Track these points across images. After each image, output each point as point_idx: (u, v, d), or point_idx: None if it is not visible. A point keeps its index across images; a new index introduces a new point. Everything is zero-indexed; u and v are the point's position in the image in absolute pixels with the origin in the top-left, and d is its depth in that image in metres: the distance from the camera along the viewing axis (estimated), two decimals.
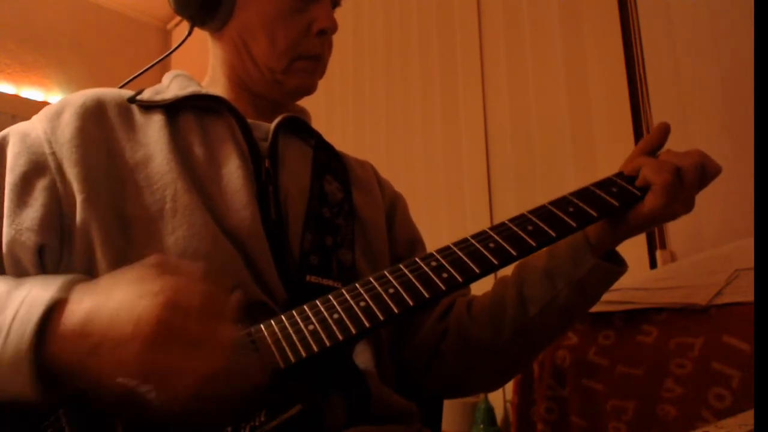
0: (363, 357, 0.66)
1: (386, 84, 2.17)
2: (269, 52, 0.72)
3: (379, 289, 0.53)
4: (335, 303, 0.52)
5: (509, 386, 1.28)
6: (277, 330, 0.51)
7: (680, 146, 0.63)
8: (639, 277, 1.05)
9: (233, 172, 0.66)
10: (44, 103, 2.27)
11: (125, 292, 0.45)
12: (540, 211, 0.59)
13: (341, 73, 2.31)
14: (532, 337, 0.69)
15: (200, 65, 0.80)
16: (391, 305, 0.52)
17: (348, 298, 0.53)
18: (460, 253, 0.55)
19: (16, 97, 2.80)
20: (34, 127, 0.64)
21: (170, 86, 0.74)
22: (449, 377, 0.74)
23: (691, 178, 0.59)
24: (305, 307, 0.53)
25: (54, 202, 0.59)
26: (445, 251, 0.56)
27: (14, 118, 0.71)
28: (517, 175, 1.71)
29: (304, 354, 0.49)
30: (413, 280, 0.53)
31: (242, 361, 0.46)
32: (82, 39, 3.05)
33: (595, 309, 0.72)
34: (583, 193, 0.60)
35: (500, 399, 1.60)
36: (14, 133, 0.64)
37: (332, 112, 2.33)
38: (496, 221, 0.57)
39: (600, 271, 0.63)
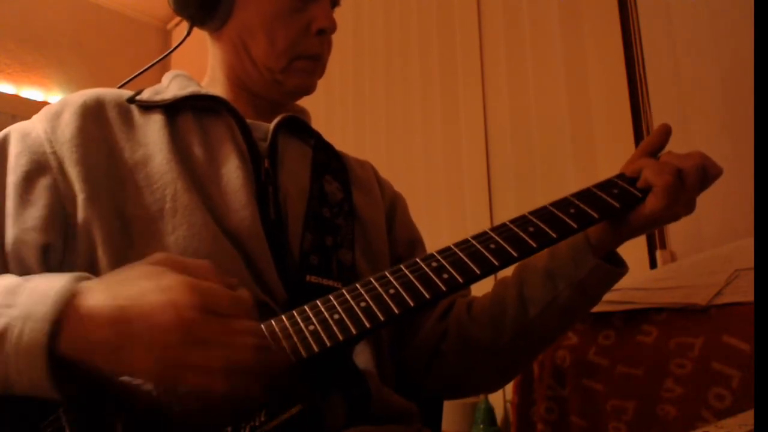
0: (363, 357, 0.66)
1: (386, 84, 2.17)
2: (268, 51, 0.72)
3: (380, 289, 0.53)
4: (336, 303, 0.52)
5: (509, 386, 1.28)
6: (277, 330, 0.51)
7: (680, 146, 0.63)
8: (639, 277, 1.05)
9: (232, 172, 0.66)
10: (44, 103, 2.27)
11: (138, 288, 0.45)
12: (541, 212, 0.59)
13: (341, 73, 2.31)
14: (533, 338, 0.69)
15: (200, 65, 0.80)
16: (392, 306, 0.52)
17: (348, 298, 0.53)
18: (460, 254, 0.55)
19: (16, 97, 2.81)
20: (35, 126, 0.64)
21: (170, 86, 0.74)
22: (449, 377, 0.74)
23: (692, 180, 0.59)
24: (306, 307, 0.53)
25: (56, 202, 0.59)
26: (445, 252, 0.56)
27: (14, 118, 0.72)
28: (517, 175, 1.71)
29: (304, 354, 0.49)
30: (414, 280, 0.53)
31: (263, 356, 0.46)
32: (82, 39, 3.05)
33: (595, 309, 0.72)
34: (584, 195, 0.60)
35: (500, 399, 1.60)
36: (15, 132, 0.64)
37: (332, 112, 2.33)
38: (496, 221, 0.57)
39: (600, 272, 0.63)
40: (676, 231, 1.35)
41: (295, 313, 0.52)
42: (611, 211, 0.59)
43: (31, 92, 2.86)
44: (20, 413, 0.46)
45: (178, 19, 3.25)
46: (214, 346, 0.43)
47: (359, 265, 0.70)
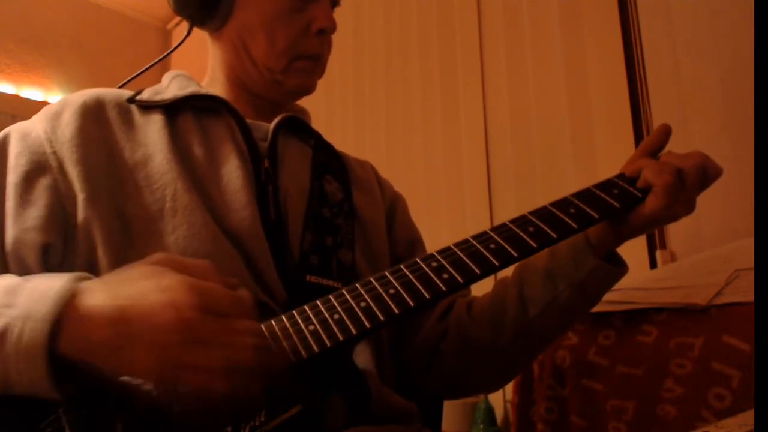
0: (363, 357, 0.66)
1: (386, 84, 2.17)
2: (268, 51, 0.72)
3: (380, 289, 0.53)
4: (336, 303, 0.52)
5: (509, 386, 1.28)
6: (277, 330, 0.51)
7: (680, 146, 0.63)
8: (639, 277, 1.05)
9: (233, 172, 0.66)
10: (44, 103, 2.27)
11: (138, 288, 0.45)
12: (541, 212, 0.59)
13: (341, 73, 2.31)
14: (533, 338, 0.69)
15: (200, 65, 0.80)
16: (392, 306, 0.52)
17: (348, 298, 0.53)
18: (460, 254, 0.55)
19: (16, 97, 2.81)
20: (35, 126, 0.64)
21: (170, 86, 0.74)
22: (449, 377, 0.74)
23: (692, 180, 0.59)
24: (306, 307, 0.53)
25: (57, 202, 0.59)
26: (445, 252, 0.56)
27: (14, 118, 0.72)
28: (517, 175, 1.71)
29: (304, 354, 0.49)
30: (414, 280, 0.53)
31: (263, 356, 0.46)
32: (82, 39, 3.05)
33: (595, 309, 0.72)
34: (584, 195, 0.60)
35: (500, 399, 1.60)
36: (15, 132, 0.65)
37: (332, 112, 2.33)
38: (496, 221, 0.57)
39: (601, 272, 0.63)
40: (676, 231, 1.35)
41: (295, 313, 0.52)
42: (611, 211, 0.59)
43: (31, 92, 2.86)
44: (20, 413, 0.46)
45: (178, 19, 3.25)
46: (214, 345, 0.43)
47: (359, 265, 0.70)
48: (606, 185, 0.61)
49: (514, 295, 0.68)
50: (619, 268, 0.64)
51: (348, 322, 0.51)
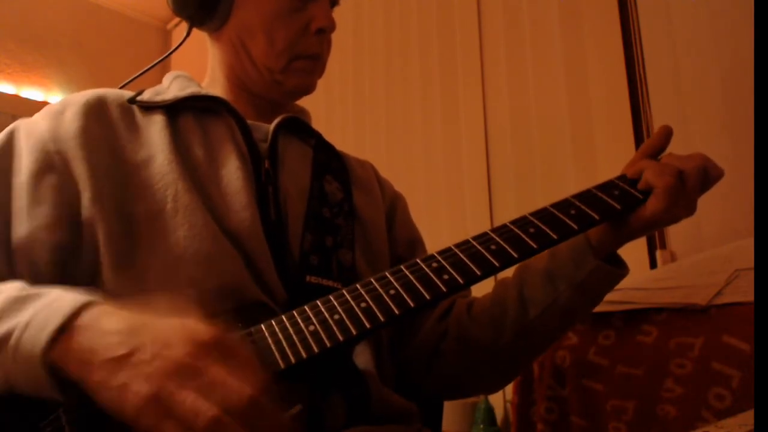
0: (363, 357, 0.66)
1: (386, 84, 2.17)
2: (268, 51, 0.72)
3: (380, 290, 0.53)
4: (336, 304, 0.52)
5: (509, 386, 1.28)
6: (277, 330, 0.51)
7: (680, 146, 0.63)
8: (639, 277, 1.05)
9: (233, 173, 0.66)
10: (44, 103, 2.27)
11: (154, 326, 0.44)
12: (541, 214, 0.59)
13: (341, 72, 2.31)
14: (533, 339, 0.69)
15: (200, 66, 0.80)
16: (392, 306, 0.52)
17: (349, 298, 0.53)
18: (461, 255, 0.55)
19: (16, 97, 2.80)
20: (39, 124, 0.64)
21: (170, 87, 0.74)
22: (449, 378, 0.74)
23: (694, 182, 0.59)
24: (306, 307, 0.53)
25: (65, 201, 0.59)
26: (446, 252, 0.56)
27: (14, 118, 0.71)
28: (517, 175, 1.71)
29: (304, 355, 0.49)
30: (414, 281, 0.53)
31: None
32: (82, 39, 3.05)
33: (595, 309, 0.72)
34: (584, 196, 0.60)
35: (500, 399, 1.60)
36: (22, 128, 0.65)
37: (332, 112, 2.33)
38: (497, 221, 0.57)
39: (601, 273, 0.63)
40: (676, 231, 1.35)
41: (295, 314, 0.52)
42: (612, 213, 0.59)
43: (31, 92, 2.86)
44: (20, 413, 0.46)
45: (178, 19, 3.24)
46: (210, 386, 0.40)
47: (359, 266, 0.70)
48: (607, 186, 0.61)
49: (515, 296, 0.68)
50: (619, 269, 0.64)
51: (348, 323, 0.51)
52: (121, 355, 0.42)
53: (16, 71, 2.83)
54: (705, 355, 0.81)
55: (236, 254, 0.60)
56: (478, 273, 0.54)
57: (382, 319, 0.51)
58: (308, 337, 0.50)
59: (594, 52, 1.56)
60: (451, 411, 1.56)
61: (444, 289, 0.53)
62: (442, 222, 1.85)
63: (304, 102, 0.82)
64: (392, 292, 0.53)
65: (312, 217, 0.68)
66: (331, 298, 0.53)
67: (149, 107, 0.69)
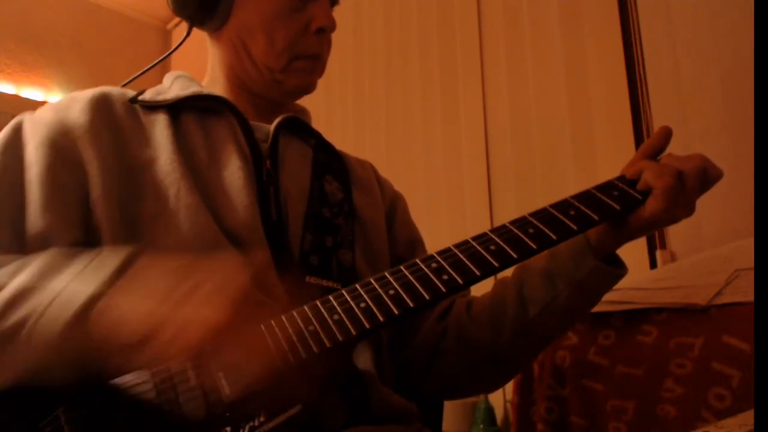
0: (363, 357, 0.66)
1: (386, 84, 2.17)
2: (268, 51, 0.72)
3: (380, 290, 0.53)
4: (335, 304, 0.52)
5: (509, 386, 1.28)
6: (277, 330, 0.51)
7: (680, 146, 0.63)
8: (639, 277, 1.05)
9: (234, 173, 0.66)
10: (44, 103, 2.27)
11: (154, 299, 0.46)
12: (541, 214, 0.59)
13: (341, 72, 2.31)
14: (532, 338, 0.69)
15: (200, 65, 0.80)
16: (392, 306, 0.52)
17: (348, 299, 0.53)
18: (460, 255, 0.55)
19: (16, 97, 2.81)
20: (46, 118, 0.64)
21: (172, 87, 0.74)
22: (449, 377, 0.74)
23: (693, 182, 0.59)
24: (305, 307, 0.53)
25: (78, 199, 0.59)
26: (445, 253, 0.56)
27: (12, 119, 0.71)
28: (517, 175, 1.71)
29: (304, 355, 0.49)
30: (413, 281, 0.53)
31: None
32: (82, 39, 3.05)
33: (595, 309, 0.72)
34: (584, 196, 0.60)
35: (500, 399, 1.60)
36: (28, 121, 0.64)
37: (332, 111, 2.33)
38: (496, 221, 0.57)
39: (600, 273, 0.63)
40: (676, 231, 1.35)
41: (295, 314, 0.52)
42: (611, 213, 0.59)
43: (31, 92, 2.86)
44: (20, 413, 0.46)
45: (178, 19, 3.25)
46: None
47: (359, 266, 0.70)
48: (606, 187, 0.61)
49: (514, 295, 0.68)
50: (618, 269, 0.64)
51: (348, 323, 0.51)
52: (139, 339, 0.44)
53: (16, 71, 2.83)
54: (705, 355, 0.81)
55: (237, 254, 0.60)
56: (478, 273, 0.54)
57: (381, 319, 0.51)
58: (307, 337, 0.50)
59: (594, 52, 1.56)
60: (451, 411, 1.56)
61: (443, 289, 0.53)
62: (442, 222, 1.85)
63: (304, 101, 0.82)
64: (392, 292, 0.53)
65: (312, 217, 0.68)
66: (331, 299, 0.53)
67: (151, 107, 0.69)
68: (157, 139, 0.66)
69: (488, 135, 1.81)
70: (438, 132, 1.96)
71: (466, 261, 0.54)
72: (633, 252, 1.29)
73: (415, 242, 0.83)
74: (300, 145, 0.76)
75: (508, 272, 0.68)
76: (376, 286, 0.53)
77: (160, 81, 0.76)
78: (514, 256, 0.55)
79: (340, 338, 0.50)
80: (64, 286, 0.48)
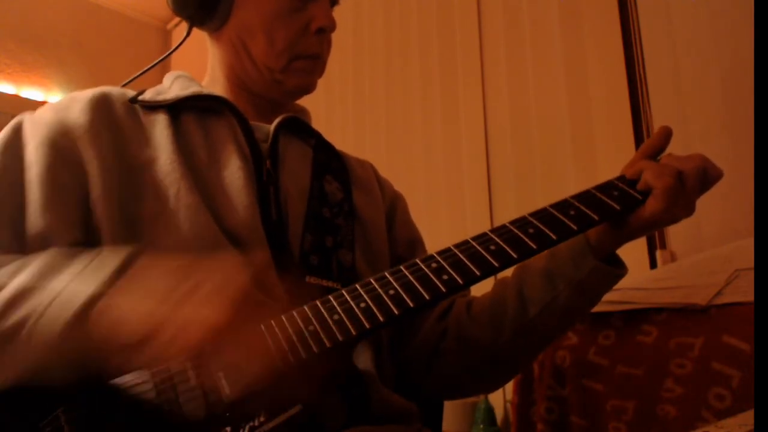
0: (363, 358, 0.66)
1: (386, 84, 2.17)
2: (268, 51, 0.72)
3: (380, 290, 0.53)
4: (335, 304, 0.52)
5: (509, 386, 1.28)
6: (277, 330, 0.51)
7: (680, 146, 0.63)
8: (639, 277, 1.05)
9: (234, 173, 0.66)
10: (44, 104, 2.27)
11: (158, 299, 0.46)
12: (541, 214, 0.59)
13: (341, 72, 2.31)
14: (532, 338, 0.69)
15: (200, 65, 0.80)
16: (392, 306, 0.52)
17: (348, 299, 0.53)
18: (460, 255, 0.55)
19: (16, 97, 2.81)
20: (45, 118, 0.64)
21: (172, 87, 0.74)
22: (449, 377, 0.74)
23: (693, 183, 0.59)
24: (305, 307, 0.53)
25: (78, 199, 0.59)
26: (445, 253, 0.56)
27: (12, 120, 0.71)
28: (517, 175, 1.71)
29: (304, 355, 0.49)
30: (413, 281, 0.53)
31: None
32: (82, 39, 3.05)
33: (595, 309, 0.72)
34: (584, 196, 0.60)
35: (500, 399, 1.60)
36: (28, 121, 0.64)
37: (332, 111, 2.33)
38: (496, 221, 0.57)
39: (600, 273, 0.63)
40: (676, 231, 1.35)
41: (295, 314, 0.52)
42: (611, 213, 0.59)
43: (31, 92, 2.86)
44: (20, 413, 0.46)
45: (178, 19, 3.25)
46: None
47: (359, 266, 0.70)
48: (606, 187, 0.61)
49: (514, 295, 0.68)
50: (618, 269, 0.64)
51: (348, 323, 0.51)
52: (138, 339, 0.45)
53: (16, 71, 2.83)
54: (705, 355, 0.81)
55: (237, 254, 0.60)
56: (478, 273, 0.54)
57: (381, 319, 0.51)
58: (308, 337, 0.50)
59: (594, 52, 1.56)
60: (451, 411, 1.56)
61: (443, 289, 0.53)
62: (442, 222, 1.85)
63: (304, 101, 0.82)
64: (392, 292, 0.53)
65: (312, 217, 0.68)
66: (331, 299, 0.53)
67: (151, 107, 0.69)
68: (157, 139, 0.66)
69: (488, 135, 1.81)
70: (438, 132, 1.96)
71: (466, 261, 0.54)
72: (633, 252, 1.29)
73: (415, 242, 0.83)
74: (300, 145, 0.76)
75: (508, 272, 0.68)
76: (376, 286, 0.53)
77: (160, 81, 0.76)
78: (514, 256, 0.55)
79: (340, 338, 0.50)
80: (64, 286, 0.48)
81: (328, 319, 0.51)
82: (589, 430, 0.92)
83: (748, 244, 0.98)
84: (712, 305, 0.86)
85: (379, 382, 0.65)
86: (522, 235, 0.56)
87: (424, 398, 0.74)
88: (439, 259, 0.55)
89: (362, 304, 0.52)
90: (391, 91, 2.15)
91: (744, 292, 0.85)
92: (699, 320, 0.86)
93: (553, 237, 0.56)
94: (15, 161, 0.61)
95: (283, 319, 0.52)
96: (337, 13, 0.77)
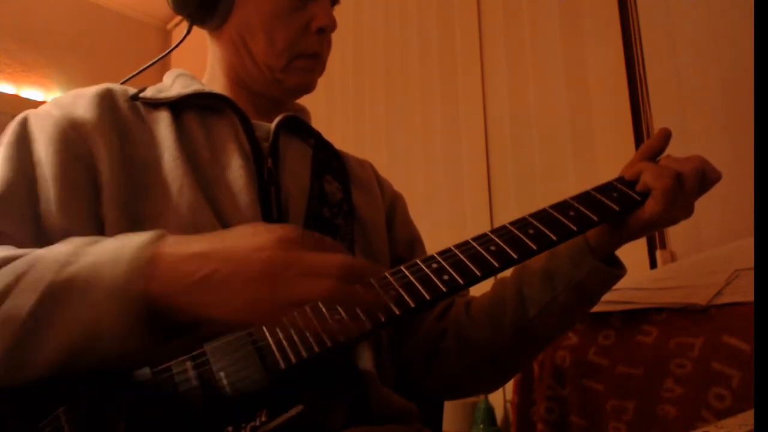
0: (363, 358, 0.66)
1: (386, 84, 2.17)
2: (268, 50, 0.72)
3: (380, 290, 0.53)
4: None
5: (509, 386, 1.28)
6: (278, 329, 0.51)
7: (680, 146, 0.63)
8: (639, 277, 1.05)
9: (236, 172, 0.66)
10: (44, 103, 2.27)
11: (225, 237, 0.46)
12: (541, 215, 0.59)
13: (341, 72, 2.31)
14: (532, 338, 0.69)
15: (200, 65, 0.80)
16: (392, 306, 0.52)
17: None
18: (461, 256, 0.55)
19: (16, 97, 2.81)
20: (52, 114, 0.64)
21: (173, 85, 0.74)
22: (449, 377, 0.74)
23: (692, 184, 0.59)
24: (307, 308, 0.53)
25: (92, 195, 0.59)
26: (445, 253, 0.56)
27: (14, 119, 0.71)
28: (517, 175, 1.71)
29: (305, 355, 0.49)
30: (414, 281, 0.53)
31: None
32: (82, 39, 3.05)
33: (595, 309, 0.73)
34: (583, 198, 0.61)
35: (500, 399, 1.60)
36: (31, 117, 0.64)
37: (332, 111, 2.33)
38: (496, 221, 0.57)
39: (599, 273, 0.63)
40: (676, 231, 1.35)
41: (296, 314, 0.52)
42: (610, 214, 0.59)
43: (31, 92, 2.86)
44: (20, 412, 0.46)
45: (178, 19, 3.25)
46: (300, 279, 0.44)
47: None
48: (605, 188, 0.62)
49: (513, 295, 0.68)
50: (617, 269, 0.64)
51: (349, 323, 0.51)
52: (204, 274, 0.44)
53: (16, 71, 2.83)
54: (705, 355, 0.81)
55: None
56: (478, 273, 0.54)
57: (382, 319, 0.51)
58: (309, 336, 0.50)
59: (594, 52, 1.56)
60: (451, 411, 1.56)
61: (444, 289, 0.53)
62: (442, 222, 1.85)
63: (304, 101, 0.82)
64: (392, 292, 0.53)
65: (312, 217, 0.68)
66: None
67: (153, 104, 0.69)
68: (160, 137, 0.66)
69: (488, 135, 1.81)
70: (438, 132, 1.96)
71: (467, 261, 0.54)
72: (633, 252, 1.29)
73: (414, 242, 0.83)
74: (300, 145, 0.76)
75: (508, 272, 0.68)
76: (377, 287, 0.53)
77: (159, 80, 0.76)
78: (515, 256, 0.55)
79: (341, 338, 0.50)
80: (106, 248, 0.46)
81: (329, 320, 0.51)
82: (589, 430, 0.92)
83: (748, 244, 0.98)
84: (712, 305, 0.86)
85: (379, 382, 0.65)
86: (522, 236, 0.56)
87: (424, 398, 0.74)
88: (440, 259, 0.55)
89: None
90: (391, 91, 2.15)
91: (744, 292, 0.85)
92: (699, 320, 0.86)
93: (553, 238, 0.56)
94: (25, 157, 0.60)
95: (284, 319, 0.52)
96: (338, 12, 0.77)
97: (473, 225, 1.77)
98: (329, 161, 0.77)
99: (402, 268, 0.55)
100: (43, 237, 0.56)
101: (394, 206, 0.84)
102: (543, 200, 0.61)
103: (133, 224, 0.59)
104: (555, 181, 1.60)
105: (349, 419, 0.57)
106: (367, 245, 0.74)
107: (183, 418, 0.46)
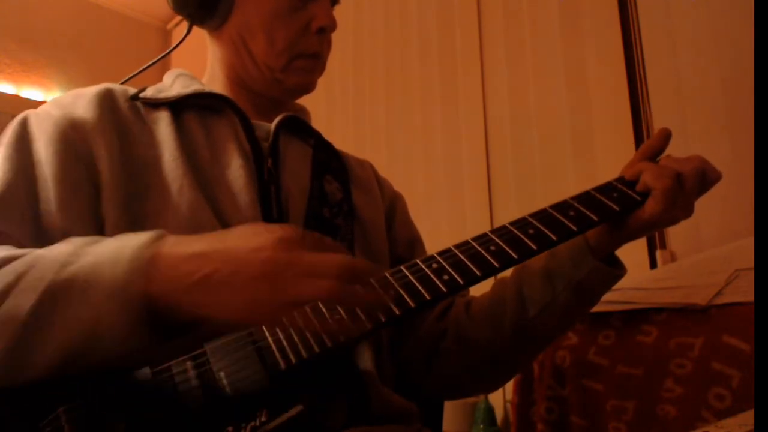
0: (363, 358, 0.66)
1: (386, 84, 2.17)
2: (268, 50, 0.72)
3: (380, 290, 0.53)
4: None
5: (509, 386, 1.28)
6: (278, 329, 0.51)
7: (680, 147, 0.64)
8: (639, 277, 1.05)
9: (236, 172, 0.66)
10: (44, 103, 2.27)
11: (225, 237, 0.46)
12: (541, 215, 0.59)
13: (341, 72, 2.31)
14: (532, 338, 0.69)
15: (200, 65, 0.80)
16: (392, 306, 0.52)
17: None
18: (461, 256, 0.55)
19: (16, 97, 2.81)
20: (52, 114, 0.64)
21: (173, 85, 0.74)
22: (449, 377, 0.74)
23: (692, 184, 0.59)
24: (306, 308, 0.53)
25: (92, 195, 0.59)
26: (445, 253, 0.56)
27: (14, 119, 0.71)
28: (517, 175, 1.71)
29: (305, 355, 0.49)
30: (414, 281, 0.53)
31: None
32: (82, 39, 3.05)
33: (595, 309, 0.73)
34: (583, 198, 0.61)
35: (500, 399, 1.60)
36: (31, 117, 0.64)
37: (332, 111, 2.33)
38: (496, 221, 0.57)
39: (599, 273, 0.63)
40: (676, 231, 1.35)
41: (296, 314, 0.52)
42: (610, 215, 0.59)
43: (31, 92, 2.86)
44: (20, 412, 0.46)
45: (178, 19, 3.25)
46: (300, 280, 0.44)
47: None
48: (605, 188, 0.62)
49: (513, 295, 0.68)
50: (617, 269, 0.64)
51: (349, 323, 0.51)
52: (204, 274, 0.44)
53: (16, 71, 2.83)
54: (705, 355, 0.81)
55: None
56: (478, 273, 0.54)
57: (382, 319, 0.51)
58: (309, 336, 0.50)
59: (594, 52, 1.56)
60: (451, 411, 1.56)
61: (444, 289, 0.53)
62: (442, 222, 1.85)
63: (304, 101, 0.82)
64: (392, 292, 0.53)
65: (312, 217, 0.68)
66: None
67: (153, 104, 0.69)
68: (160, 137, 0.66)
69: (488, 135, 1.81)
70: (438, 132, 1.96)
71: (467, 261, 0.54)
72: (633, 252, 1.29)
73: (414, 242, 0.83)
74: (300, 145, 0.76)
75: (508, 272, 0.68)
76: (377, 287, 0.53)
77: (159, 80, 0.76)
78: (515, 256, 0.55)
79: (341, 338, 0.50)
80: (106, 248, 0.46)
81: (329, 320, 0.51)
82: (589, 430, 0.92)
83: (748, 244, 0.98)
84: (712, 305, 0.86)
85: (379, 382, 0.65)
86: (522, 236, 0.56)
87: (424, 398, 0.74)
88: (440, 259, 0.55)
89: None
90: (391, 91, 2.15)
91: (744, 292, 0.85)
92: (699, 320, 0.86)
93: (553, 238, 0.56)
94: (25, 157, 0.60)
95: (284, 319, 0.52)
96: (338, 12, 0.77)
97: (473, 225, 1.77)
98: (329, 161, 0.77)
99: (402, 268, 0.55)
100: (43, 237, 0.56)
101: (393, 206, 0.84)
102: (543, 200, 0.61)
103: (133, 224, 0.59)
104: (555, 181, 1.60)
105: (349, 419, 0.57)
106: (366, 245, 0.74)
107: (183, 417, 0.46)
